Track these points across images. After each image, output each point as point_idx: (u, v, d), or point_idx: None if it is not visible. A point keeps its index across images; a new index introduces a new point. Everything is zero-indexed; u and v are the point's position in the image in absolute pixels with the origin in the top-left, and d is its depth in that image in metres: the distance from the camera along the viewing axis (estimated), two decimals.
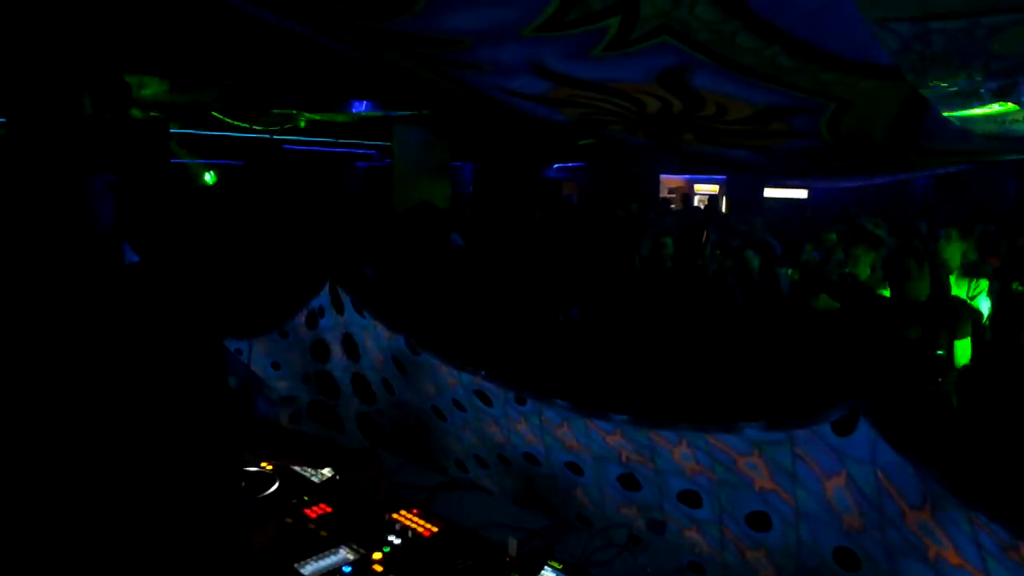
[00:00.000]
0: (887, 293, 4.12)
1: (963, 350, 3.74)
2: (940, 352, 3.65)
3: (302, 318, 2.77)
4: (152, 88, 7.22)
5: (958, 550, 1.47)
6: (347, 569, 1.70)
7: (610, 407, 1.91)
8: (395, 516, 1.97)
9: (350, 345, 2.67)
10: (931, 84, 2.86)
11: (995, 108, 4.00)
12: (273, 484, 2.14)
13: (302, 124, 8.94)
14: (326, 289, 2.66)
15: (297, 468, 2.26)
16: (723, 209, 15.54)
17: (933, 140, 3.62)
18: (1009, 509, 1.41)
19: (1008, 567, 1.41)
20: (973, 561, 1.45)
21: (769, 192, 16.87)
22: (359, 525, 1.90)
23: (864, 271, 4.49)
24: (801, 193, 16.22)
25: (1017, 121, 4.44)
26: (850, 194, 12.62)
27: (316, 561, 1.72)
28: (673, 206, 16.35)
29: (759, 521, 1.79)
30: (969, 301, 4.28)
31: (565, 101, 3.20)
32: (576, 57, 2.46)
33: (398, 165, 10.64)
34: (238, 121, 8.54)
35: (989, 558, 1.43)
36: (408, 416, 2.62)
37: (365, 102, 8.72)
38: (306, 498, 2.08)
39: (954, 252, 5.05)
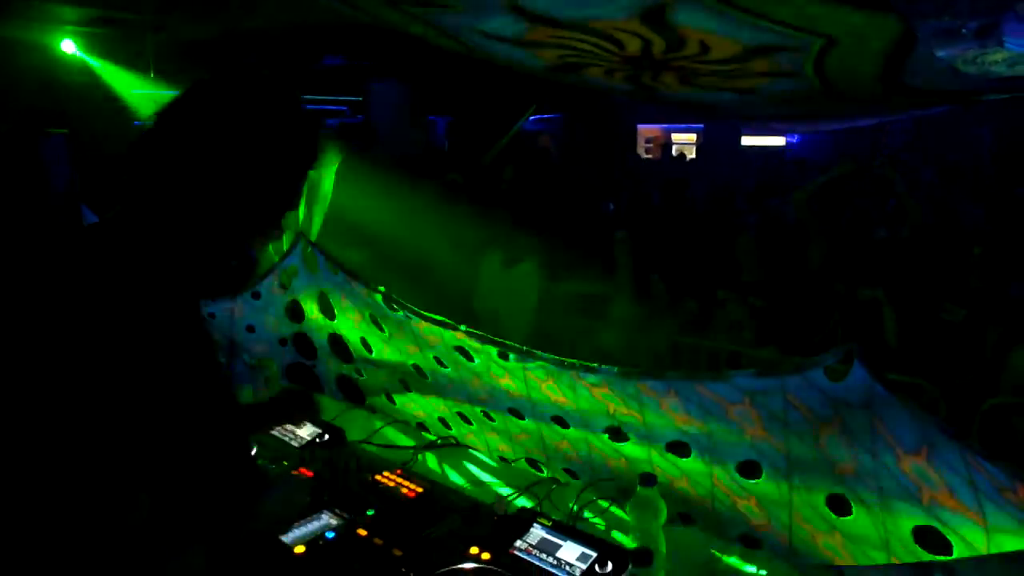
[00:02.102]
0: None
1: None
2: None
3: (275, 278, 2.68)
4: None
5: (953, 493, 1.45)
6: (330, 535, 1.65)
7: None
8: (378, 478, 1.91)
9: (326, 304, 2.59)
10: (921, 17, 2.78)
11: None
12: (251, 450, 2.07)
13: None
14: (299, 248, 2.57)
15: (276, 432, 2.19)
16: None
17: (919, 79, 3.55)
18: (1006, 450, 1.39)
19: (1004, 508, 1.39)
20: (969, 503, 1.43)
21: (747, 140, 16.78)
22: (342, 488, 1.85)
23: None
24: (779, 140, 16.15)
25: (996, 62, 4.38)
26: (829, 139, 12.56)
27: (298, 528, 1.67)
28: (651, 156, 16.23)
29: (750, 470, 1.76)
30: None
31: (542, 43, 3.07)
32: None
33: (371, 121, 10.41)
34: None
35: (985, 500, 1.41)
36: (388, 375, 2.56)
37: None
38: (285, 463, 2.02)
39: None
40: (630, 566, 1.49)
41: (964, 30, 3.88)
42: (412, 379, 2.45)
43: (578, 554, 1.53)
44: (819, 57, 2.96)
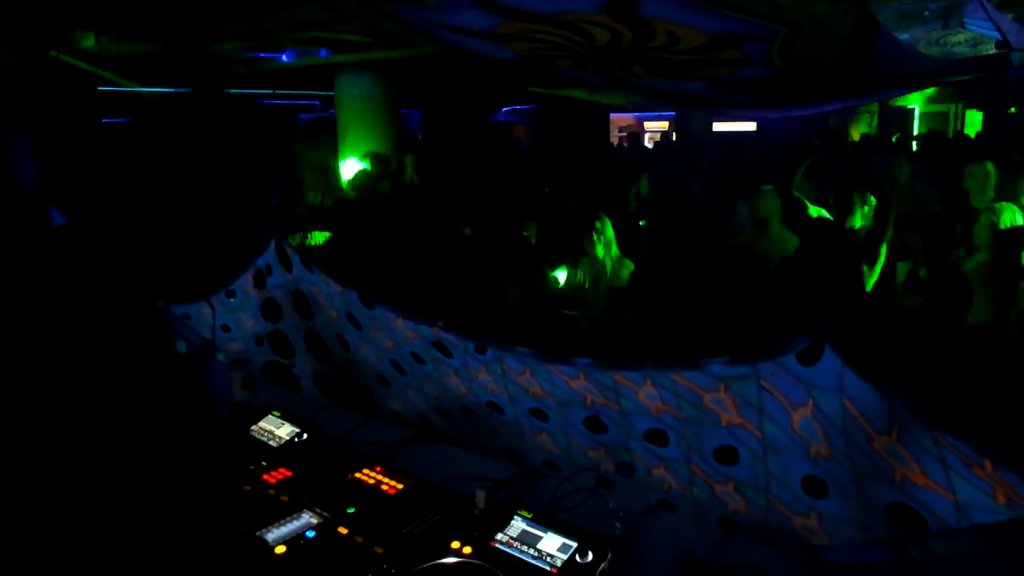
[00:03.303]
0: None
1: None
2: None
3: (249, 277, 2.66)
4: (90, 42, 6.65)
5: (924, 470, 1.48)
6: (311, 534, 1.64)
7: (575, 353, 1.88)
8: (358, 475, 1.91)
9: (301, 302, 2.58)
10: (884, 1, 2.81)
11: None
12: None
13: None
14: (272, 246, 2.55)
15: (254, 432, 2.18)
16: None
17: (883, 65, 3.60)
18: (972, 426, 1.42)
19: (973, 482, 1.43)
20: (939, 480, 1.47)
21: (718, 126, 16.92)
22: (321, 486, 1.84)
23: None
24: (750, 126, 16.30)
25: (958, 43, 4.46)
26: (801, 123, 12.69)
27: (278, 528, 1.66)
28: (625, 145, 16.29)
29: (727, 455, 1.78)
30: None
31: (513, 37, 3.06)
32: None
33: (342, 115, 10.30)
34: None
35: (954, 475, 1.44)
36: (366, 372, 2.55)
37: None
38: (264, 463, 2.00)
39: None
40: (609, 555, 1.50)
41: (927, 12, 3.93)
42: (390, 375, 2.44)
43: (559, 545, 1.54)
44: (785, 45, 2.99)
